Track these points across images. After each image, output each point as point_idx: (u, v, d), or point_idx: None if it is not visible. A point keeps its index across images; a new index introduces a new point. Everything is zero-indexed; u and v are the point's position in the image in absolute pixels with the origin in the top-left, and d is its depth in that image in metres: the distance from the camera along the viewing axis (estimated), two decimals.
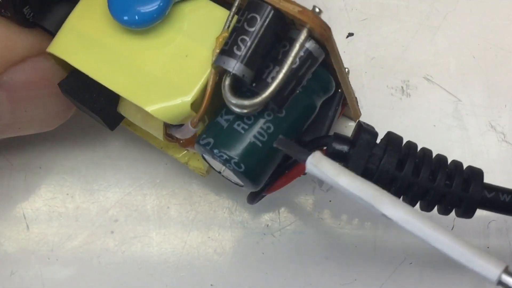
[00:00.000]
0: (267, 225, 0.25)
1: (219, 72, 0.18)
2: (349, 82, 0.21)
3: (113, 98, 0.20)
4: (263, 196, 0.22)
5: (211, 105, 0.19)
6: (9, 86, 0.21)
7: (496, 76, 0.27)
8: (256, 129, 0.19)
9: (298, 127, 0.20)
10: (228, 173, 0.20)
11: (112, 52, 0.19)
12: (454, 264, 0.25)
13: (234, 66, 0.18)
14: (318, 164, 0.17)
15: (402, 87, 0.27)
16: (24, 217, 0.25)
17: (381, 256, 0.25)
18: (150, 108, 0.19)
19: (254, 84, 0.18)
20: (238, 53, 0.18)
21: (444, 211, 0.21)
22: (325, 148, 0.20)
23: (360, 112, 0.25)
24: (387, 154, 0.20)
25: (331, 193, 0.26)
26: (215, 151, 0.19)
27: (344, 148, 0.20)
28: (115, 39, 0.19)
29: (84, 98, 0.20)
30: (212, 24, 0.19)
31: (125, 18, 0.19)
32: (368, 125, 0.20)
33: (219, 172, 0.20)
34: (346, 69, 0.21)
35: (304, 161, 0.17)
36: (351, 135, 0.21)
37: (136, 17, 0.19)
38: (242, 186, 0.20)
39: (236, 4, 0.18)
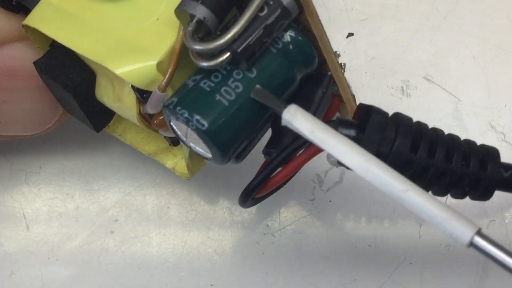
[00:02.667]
0: (267, 225, 0.25)
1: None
2: (341, 69, 0.20)
3: (89, 78, 0.20)
4: (255, 200, 0.21)
5: (182, 73, 0.18)
6: None
7: (496, 76, 0.27)
8: (223, 87, 0.18)
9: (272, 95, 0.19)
10: (194, 139, 0.18)
11: (85, 20, 0.19)
12: (454, 264, 0.25)
13: (195, 8, 0.17)
14: (293, 117, 0.16)
15: (402, 87, 0.27)
16: (24, 217, 0.25)
17: (381, 256, 0.25)
18: (117, 70, 0.18)
19: (218, 33, 0.17)
20: None
21: (461, 195, 0.20)
22: None
23: None
24: (400, 135, 0.18)
25: (331, 193, 0.26)
26: (178, 108, 0.17)
27: (351, 132, 0.18)
28: (90, 8, 0.19)
29: (59, 75, 0.20)
30: None
31: None
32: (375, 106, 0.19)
33: (186, 143, 0.19)
34: (342, 64, 0.20)
35: (280, 113, 0.16)
36: (354, 118, 0.19)
37: None
38: (209, 159, 0.19)
39: None
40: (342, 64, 0.20)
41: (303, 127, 0.16)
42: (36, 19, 0.20)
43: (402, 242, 0.25)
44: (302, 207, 0.26)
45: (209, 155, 0.19)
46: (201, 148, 0.19)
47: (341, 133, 0.17)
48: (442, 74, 0.27)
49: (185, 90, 0.18)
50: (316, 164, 0.25)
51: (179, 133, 0.19)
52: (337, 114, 0.22)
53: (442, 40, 0.27)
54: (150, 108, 0.19)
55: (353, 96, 0.22)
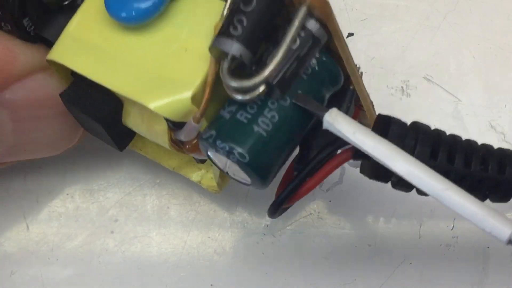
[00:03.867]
0: (267, 225, 0.25)
1: (220, 62, 0.18)
2: (362, 81, 0.21)
3: (117, 107, 0.20)
4: (284, 209, 0.21)
5: (214, 102, 0.18)
6: (11, 104, 0.20)
7: (496, 76, 0.27)
8: (260, 118, 0.18)
9: (305, 118, 0.19)
10: (234, 169, 0.19)
11: (111, 53, 0.19)
12: (454, 264, 0.25)
13: (231, 46, 0.17)
14: (334, 120, 0.17)
15: (402, 87, 0.27)
16: (24, 217, 0.25)
17: (381, 256, 0.25)
18: (151, 105, 0.18)
19: (254, 68, 0.17)
20: (235, 33, 0.17)
21: (481, 198, 0.20)
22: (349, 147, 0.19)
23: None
24: (419, 144, 0.19)
25: (331, 193, 0.26)
26: (218, 142, 0.18)
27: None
28: (113, 39, 0.19)
29: (86, 106, 0.20)
30: (211, 15, 0.19)
31: (123, 14, 0.19)
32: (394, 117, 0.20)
33: (225, 172, 0.20)
34: (360, 70, 0.20)
35: (322, 117, 0.17)
36: (373, 129, 0.19)
37: (133, 13, 0.19)
38: (249, 184, 0.19)
39: None
40: (360, 72, 0.21)
41: (345, 129, 0.17)
42: (60, 53, 0.20)
43: (402, 242, 0.25)
44: (302, 207, 0.26)
45: (249, 182, 0.19)
46: (241, 176, 0.19)
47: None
48: (442, 74, 0.27)
49: (222, 122, 0.18)
50: None
51: (218, 163, 0.19)
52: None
53: (442, 40, 0.27)
54: (183, 137, 0.19)
55: (372, 103, 0.22)
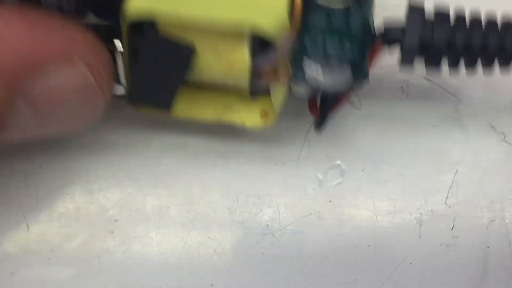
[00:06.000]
0: (267, 225, 0.25)
1: None
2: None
3: (177, 82, 0.21)
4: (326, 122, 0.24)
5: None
6: (31, 94, 0.19)
7: (496, 76, 0.27)
8: (352, 23, 0.21)
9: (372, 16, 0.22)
10: (330, 74, 0.21)
11: None
12: (454, 264, 0.25)
13: None
14: None
15: (402, 87, 0.27)
16: (24, 217, 0.25)
17: (381, 256, 0.25)
18: (256, 23, 0.19)
19: None
20: None
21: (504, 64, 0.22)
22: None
23: None
24: (437, 28, 0.21)
25: (331, 193, 0.26)
26: (328, 48, 0.20)
27: (398, 35, 0.22)
28: None
29: (155, 100, 0.21)
30: None
31: None
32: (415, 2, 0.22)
33: (315, 82, 0.21)
34: None
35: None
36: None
37: None
38: (342, 83, 0.21)
39: None
40: None
41: None
42: (138, 4, 0.19)
43: (402, 242, 0.25)
44: (302, 207, 0.26)
45: (342, 81, 0.21)
46: (334, 79, 0.21)
47: (391, 38, 0.22)
48: (442, 74, 0.27)
49: (323, 31, 0.20)
50: (316, 164, 0.25)
51: (316, 71, 0.21)
52: None
53: None
54: (271, 59, 0.21)
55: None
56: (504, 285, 0.25)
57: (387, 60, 0.27)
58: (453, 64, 0.22)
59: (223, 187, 0.26)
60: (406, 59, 0.22)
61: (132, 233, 0.25)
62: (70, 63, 0.19)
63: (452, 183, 0.26)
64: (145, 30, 0.20)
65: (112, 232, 0.25)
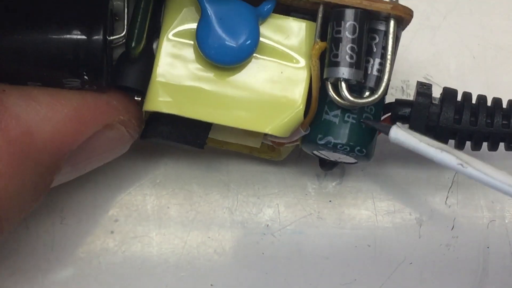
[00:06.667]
0: (267, 225, 0.25)
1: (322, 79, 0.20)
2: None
3: (208, 129, 0.21)
4: (335, 165, 0.24)
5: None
6: (76, 159, 0.20)
7: (496, 76, 0.27)
8: (364, 114, 0.21)
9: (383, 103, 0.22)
10: (339, 158, 0.22)
11: (210, 91, 0.20)
12: (454, 264, 0.25)
13: (351, 73, 0.19)
14: (397, 135, 0.20)
15: (402, 87, 0.27)
16: (24, 217, 0.25)
17: (381, 256, 0.25)
18: (269, 130, 0.20)
19: (363, 80, 0.20)
20: (351, 60, 0.19)
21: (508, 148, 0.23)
22: (389, 114, 0.22)
23: None
24: (444, 109, 0.22)
25: (331, 193, 0.26)
26: (339, 146, 0.21)
27: (408, 111, 0.22)
28: (208, 78, 0.20)
29: (175, 135, 0.21)
30: (295, 35, 0.21)
31: (226, 59, 0.20)
32: (424, 86, 0.23)
33: (329, 159, 0.23)
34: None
35: (387, 133, 0.20)
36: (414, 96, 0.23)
37: (235, 54, 0.20)
38: (355, 163, 0.22)
39: (320, 15, 0.20)
40: None
41: (407, 144, 0.20)
42: (158, 102, 0.20)
43: (402, 242, 0.25)
44: (302, 207, 0.26)
45: (355, 161, 0.22)
46: (347, 160, 0.22)
47: (398, 113, 0.22)
48: (442, 74, 0.27)
49: (334, 126, 0.21)
50: (316, 164, 0.25)
51: (324, 156, 0.23)
52: None
53: (442, 40, 0.27)
54: (283, 140, 0.22)
55: None
56: (504, 285, 0.25)
57: None
58: (459, 146, 0.23)
59: (223, 187, 0.26)
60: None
61: (132, 233, 0.25)
62: (110, 128, 0.21)
63: (452, 183, 0.26)
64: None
65: (112, 232, 0.25)
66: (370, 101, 0.20)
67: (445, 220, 0.26)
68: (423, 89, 0.22)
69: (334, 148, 0.21)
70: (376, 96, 0.20)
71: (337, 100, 0.20)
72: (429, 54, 0.27)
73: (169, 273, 0.25)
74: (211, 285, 0.25)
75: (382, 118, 0.22)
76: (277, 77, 0.20)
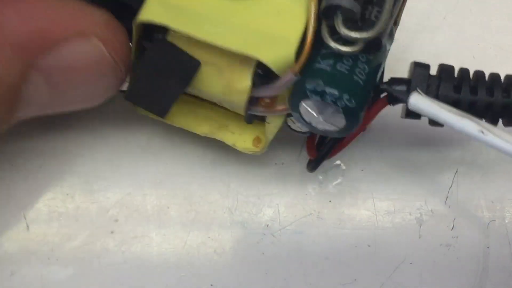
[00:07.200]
0: (267, 225, 0.25)
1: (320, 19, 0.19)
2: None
3: (177, 91, 0.21)
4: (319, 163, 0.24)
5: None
6: (47, 69, 0.19)
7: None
8: (356, 69, 0.20)
9: (379, 69, 0.21)
10: (325, 117, 0.21)
11: (208, 10, 0.20)
12: (454, 264, 0.25)
13: (350, 2, 0.19)
14: (418, 102, 0.20)
15: None
16: (24, 217, 0.25)
17: (381, 256, 0.25)
18: (263, 58, 0.19)
19: (360, 24, 0.19)
20: None
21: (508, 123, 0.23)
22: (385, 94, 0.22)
23: None
24: (443, 81, 0.22)
25: (331, 193, 0.26)
26: (327, 89, 0.19)
27: (403, 87, 0.22)
28: (205, 2, 0.20)
29: (152, 104, 0.21)
30: None
31: None
32: (420, 63, 0.22)
33: (309, 123, 0.21)
34: None
35: (406, 100, 0.20)
36: (408, 75, 0.22)
37: None
38: (334, 130, 0.21)
39: None
40: None
41: (426, 112, 0.20)
42: (155, 14, 0.20)
43: (402, 242, 0.25)
44: (302, 207, 0.26)
45: (335, 129, 0.21)
46: (331, 123, 0.21)
47: (395, 89, 0.22)
48: None
49: (325, 73, 0.20)
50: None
51: (307, 114, 0.21)
52: None
53: (442, 40, 0.27)
54: (270, 92, 0.20)
55: None
56: (504, 285, 0.25)
57: (387, 60, 0.27)
58: None
59: (223, 187, 0.26)
60: (411, 114, 0.22)
61: (132, 233, 0.25)
62: (84, 39, 0.19)
63: (452, 183, 0.26)
64: (155, 34, 0.20)
65: (112, 232, 0.25)
66: (366, 36, 0.19)
67: (445, 220, 0.26)
68: (420, 64, 0.22)
69: (322, 94, 0.20)
70: (373, 30, 0.19)
71: (330, 41, 0.19)
72: (429, 54, 0.27)
73: (169, 273, 0.25)
74: (211, 285, 0.25)
75: (378, 99, 0.22)
76: (273, 15, 0.20)
